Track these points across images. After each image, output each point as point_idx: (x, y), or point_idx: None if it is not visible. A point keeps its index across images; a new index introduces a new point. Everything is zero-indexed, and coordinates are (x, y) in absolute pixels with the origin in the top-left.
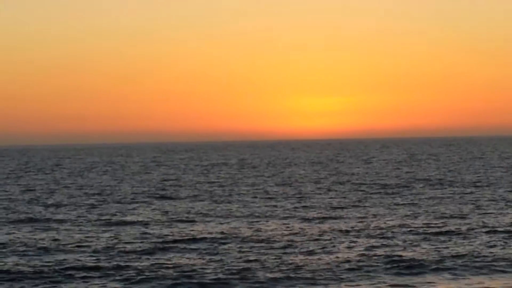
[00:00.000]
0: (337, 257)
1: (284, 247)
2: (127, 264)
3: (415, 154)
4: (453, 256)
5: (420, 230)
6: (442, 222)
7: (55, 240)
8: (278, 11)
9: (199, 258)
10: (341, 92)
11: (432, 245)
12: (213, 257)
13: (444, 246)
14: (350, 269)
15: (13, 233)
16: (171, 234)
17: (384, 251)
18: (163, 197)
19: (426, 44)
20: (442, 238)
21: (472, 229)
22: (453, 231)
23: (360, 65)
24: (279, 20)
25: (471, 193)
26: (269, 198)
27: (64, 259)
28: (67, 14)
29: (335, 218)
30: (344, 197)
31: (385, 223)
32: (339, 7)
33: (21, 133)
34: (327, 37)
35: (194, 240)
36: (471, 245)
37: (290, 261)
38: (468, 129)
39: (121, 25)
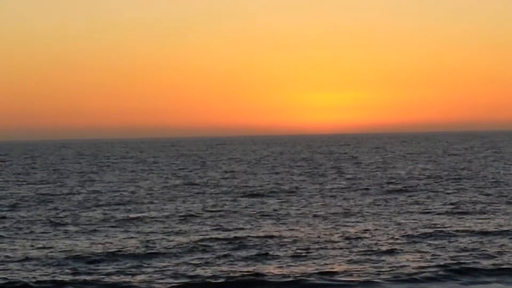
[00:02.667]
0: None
1: (322, 249)
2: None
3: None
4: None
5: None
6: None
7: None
8: (290, 7)
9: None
10: (351, 88)
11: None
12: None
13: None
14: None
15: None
16: (207, 231)
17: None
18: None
19: (435, 40)
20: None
21: None
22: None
23: (371, 61)
24: (292, 16)
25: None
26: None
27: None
28: (76, 10)
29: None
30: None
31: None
32: (351, 3)
33: (22, 128)
34: (339, 33)
35: (235, 239)
36: None
37: (330, 266)
38: (477, 123)
39: (129, 22)
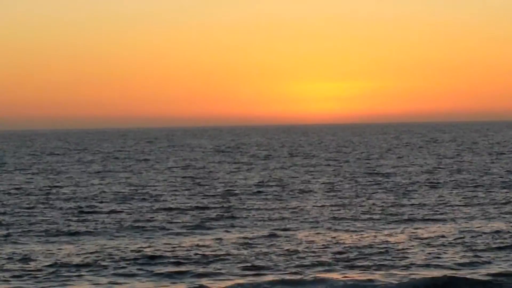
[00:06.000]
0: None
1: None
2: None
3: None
4: None
5: None
6: None
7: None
8: None
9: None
10: (352, 77)
11: None
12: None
13: None
14: None
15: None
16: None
17: None
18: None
19: (441, 30)
20: None
21: None
22: None
23: (372, 51)
24: (294, 5)
25: None
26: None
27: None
28: (73, 3)
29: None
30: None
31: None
32: None
33: (23, 117)
34: (341, 23)
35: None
36: None
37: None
38: (480, 114)
39: (127, 11)
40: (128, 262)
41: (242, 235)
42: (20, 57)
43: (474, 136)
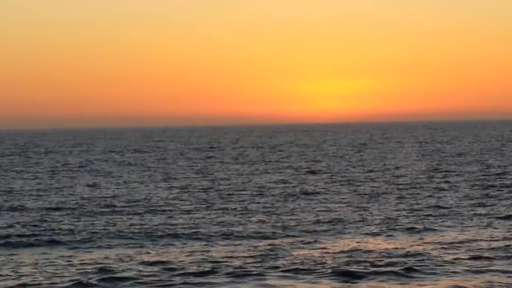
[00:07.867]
0: None
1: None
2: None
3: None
4: None
5: None
6: None
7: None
8: None
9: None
10: (357, 76)
11: None
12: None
13: None
14: None
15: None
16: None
17: None
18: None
19: (443, 29)
20: None
21: None
22: None
23: (378, 49)
24: (297, 4)
25: None
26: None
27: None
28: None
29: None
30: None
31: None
32: None
33: (25, 117)
34: (347, 22)
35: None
36: None
37: None
38: (484, 113)
39: (128, 11)
40: (149, 269)
41: (266, 239)
42: (20, 57)
43: (482, 134)
